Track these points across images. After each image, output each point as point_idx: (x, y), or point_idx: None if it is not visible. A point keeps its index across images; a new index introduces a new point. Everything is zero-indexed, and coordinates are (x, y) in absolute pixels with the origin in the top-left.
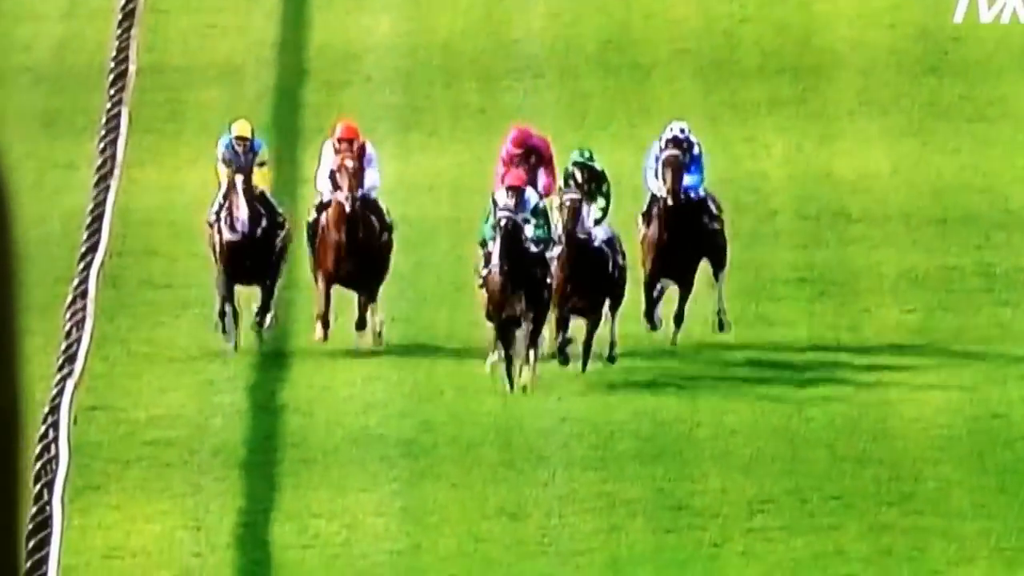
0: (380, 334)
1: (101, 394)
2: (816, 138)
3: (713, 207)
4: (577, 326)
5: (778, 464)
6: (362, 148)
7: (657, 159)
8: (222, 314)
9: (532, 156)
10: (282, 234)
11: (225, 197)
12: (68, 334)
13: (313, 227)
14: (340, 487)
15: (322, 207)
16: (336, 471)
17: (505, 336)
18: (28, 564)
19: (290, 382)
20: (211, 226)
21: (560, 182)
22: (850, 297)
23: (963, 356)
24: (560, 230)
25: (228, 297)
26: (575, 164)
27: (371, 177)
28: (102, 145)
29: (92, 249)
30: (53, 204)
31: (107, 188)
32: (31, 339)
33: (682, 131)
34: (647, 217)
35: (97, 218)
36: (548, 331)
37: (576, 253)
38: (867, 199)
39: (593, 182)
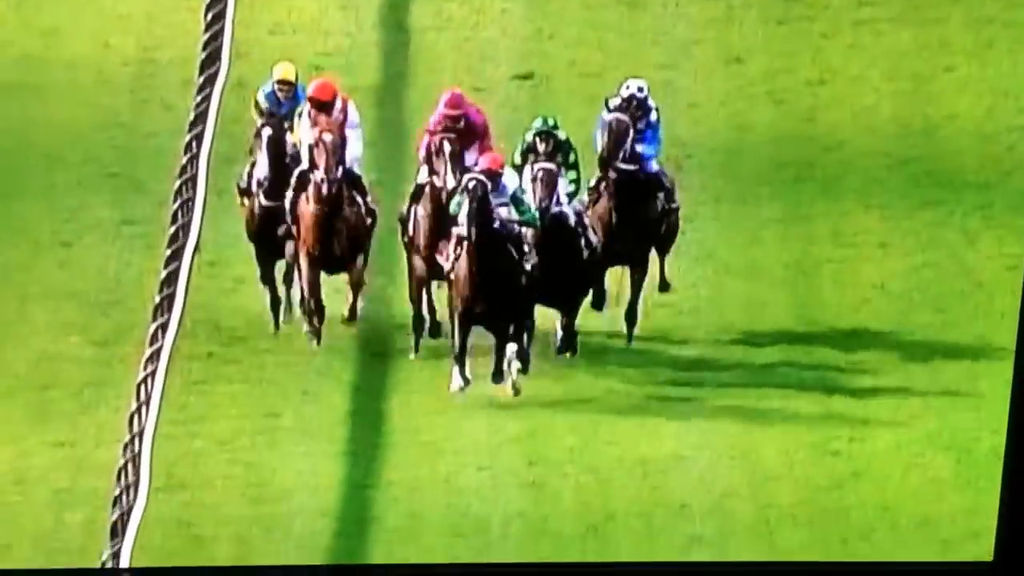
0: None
1: None
2: None
3: (667, 183)
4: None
5: None
6: (344, 110)
7: (604, 121)
8: (275, 302)
9: (463, 122)
10: None
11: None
12: None
13: (293, 205)
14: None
15: (302, 184)
16: None
17: (465, 335)
18: (203, 50)
19: None
20: (242, 193)
21: (517, 156)
22: None
23: None
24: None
25: (269, 277)
26: (537, 134)
27: (354, 147)
28: None
29: None
30: None
31: None
32: None
33: (640, 90)
34: (594, 193)
35: None
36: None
37: (550, 234)
38: None
39: (559, 153)
